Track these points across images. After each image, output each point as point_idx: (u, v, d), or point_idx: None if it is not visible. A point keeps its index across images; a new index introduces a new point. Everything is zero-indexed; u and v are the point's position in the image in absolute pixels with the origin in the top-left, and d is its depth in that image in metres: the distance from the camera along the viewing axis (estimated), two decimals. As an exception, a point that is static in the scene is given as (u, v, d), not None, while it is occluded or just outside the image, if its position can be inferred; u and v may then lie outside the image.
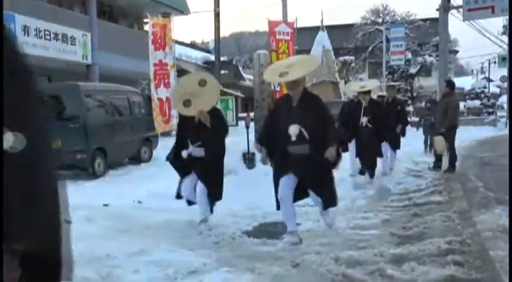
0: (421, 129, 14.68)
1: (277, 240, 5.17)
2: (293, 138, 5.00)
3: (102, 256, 4.51)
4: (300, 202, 7.00)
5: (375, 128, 8.47)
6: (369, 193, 7.97)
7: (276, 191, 5.13)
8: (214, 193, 5.85)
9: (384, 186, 8.49)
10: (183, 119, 6.18)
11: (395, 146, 10.24)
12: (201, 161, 5.76)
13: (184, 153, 5.87)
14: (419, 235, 5.27)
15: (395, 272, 4.01)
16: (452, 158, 10.05)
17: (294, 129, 4.99)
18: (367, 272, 4.02)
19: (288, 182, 5.07)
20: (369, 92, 8.69)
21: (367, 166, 8.57)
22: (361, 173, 8.82)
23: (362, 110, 8.54)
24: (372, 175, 8.60)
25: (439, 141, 9.83)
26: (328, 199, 5.29)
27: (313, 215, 6.38)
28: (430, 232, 5.35)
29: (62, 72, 17.70)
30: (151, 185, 8.55)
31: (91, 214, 6.18)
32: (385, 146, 9.45)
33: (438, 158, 10.31)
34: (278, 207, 5.16)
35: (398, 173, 10.20)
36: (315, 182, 5.18)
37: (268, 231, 5.65)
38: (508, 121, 11.38)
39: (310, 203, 6.66)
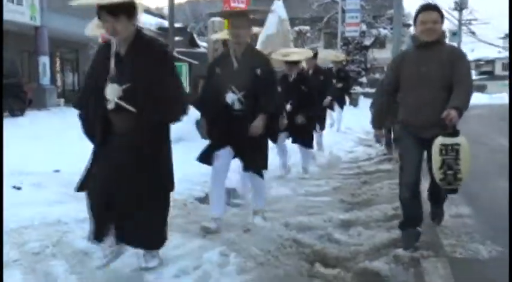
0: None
1: (229, 207, 5.23)
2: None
3: (54, 221, 4.47)
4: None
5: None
6: (321, 161, 8.12)
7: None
8: None
9: (335, 155, 8.67)
10: None
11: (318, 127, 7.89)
12: None
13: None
14: (368, 202, 5.46)
15: (342, 237, 4.17)
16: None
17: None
18: (316, 237, 4.15)
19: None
20: (296, 63, 6.62)
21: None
22: None
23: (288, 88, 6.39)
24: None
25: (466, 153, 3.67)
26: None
27: (265, 182, 6.46)
28: (377, 199, 5.55)
29: (9, 34, 16.99)
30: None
31: (40, 180, 6.07)
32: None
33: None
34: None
35: (350, 141, 10.43)
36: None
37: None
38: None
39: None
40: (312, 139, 7.09)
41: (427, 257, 3.65)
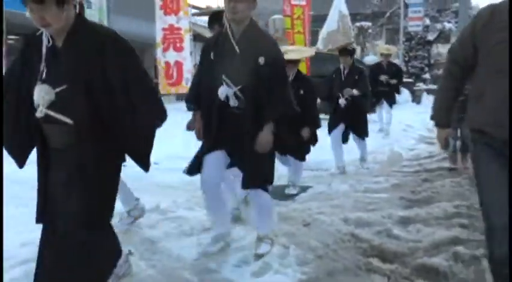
0: None
1: (290, 202, 5.32)
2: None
3: (120, 213, 4.70)
4: (312, 166, 7.18)
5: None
6: (381, 158, 8.07)
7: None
8: None
9: (395, 152, 8.58)
10: None
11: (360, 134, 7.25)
12: None
13: None
14: (428, 199, 5.40)
15: (401, 233, 4.17)
16: None
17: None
18: (374, 232, 4.18)
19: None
20: (295, 62, 5.65)
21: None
22: None
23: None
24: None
25: None
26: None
27: (325, 178, 6.53)
28: (438, 196, 5.48)
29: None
30: (168, 147, 8.70)
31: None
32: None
33: None
34: None
35: (410, 139, 10.27)
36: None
37: (282, 193, 5.74)
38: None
39: (322, 167, 6.83)
40: (306, 151, 5.90)
41: (489, 255, 3.60)
